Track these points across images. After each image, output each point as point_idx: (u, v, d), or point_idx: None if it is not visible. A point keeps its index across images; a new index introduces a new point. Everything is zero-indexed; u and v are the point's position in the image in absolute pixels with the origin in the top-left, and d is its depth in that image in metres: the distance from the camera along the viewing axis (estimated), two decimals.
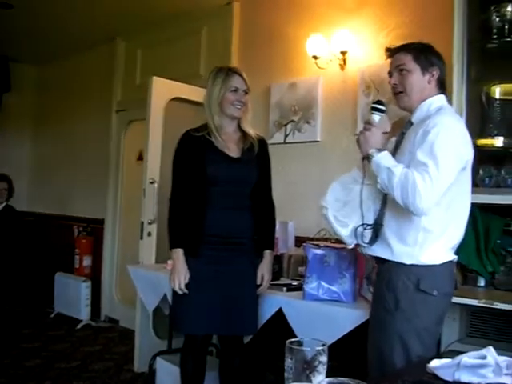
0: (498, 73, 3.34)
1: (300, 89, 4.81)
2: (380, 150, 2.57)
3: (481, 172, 3.20)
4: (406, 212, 2.46)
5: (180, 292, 3.28)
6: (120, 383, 4.66)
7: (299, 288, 3.51)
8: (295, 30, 4.88)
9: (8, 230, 6.61)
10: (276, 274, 3.95)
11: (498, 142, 3.20)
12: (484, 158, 3.25)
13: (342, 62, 4.49)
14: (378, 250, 2.64)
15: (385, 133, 2.70)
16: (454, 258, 2.62)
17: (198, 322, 3.28)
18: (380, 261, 2.66)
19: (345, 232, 2.71)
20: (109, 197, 6.89)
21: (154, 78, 4.90)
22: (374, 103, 2.70)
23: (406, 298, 2.50)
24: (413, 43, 2.72)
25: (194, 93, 4.86)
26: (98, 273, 6.92)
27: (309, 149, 4.69)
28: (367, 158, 2.61)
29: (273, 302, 3.49)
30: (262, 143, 3.52)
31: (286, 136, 4.89)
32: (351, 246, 2.80)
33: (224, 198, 3.31)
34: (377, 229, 2.64)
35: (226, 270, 3.29)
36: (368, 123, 2.65)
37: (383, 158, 2.53)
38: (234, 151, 3.38)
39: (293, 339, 1.45)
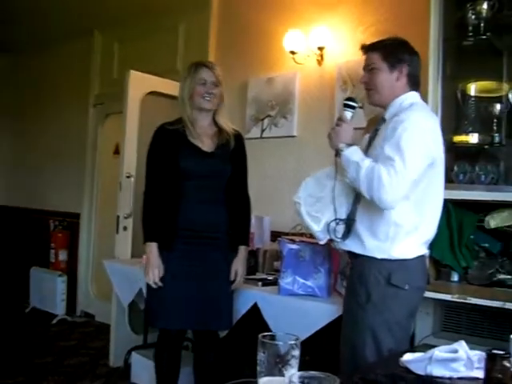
0: (473, 70, 3.37)
1: (277, 84, 4.81)
2: (350, 145, 2.60)
3: (455, 168, 3.23)
4: (377, 207, 2.48)
5: (154, 286, 3.27)
6: (95, 378, 4.64)
7: (274, 283, 3.52)
8: (273, 26, 4.88)
9: None
10: (251, 268, 3.96)
11: (473, 138, 3.24)
12: (459, 155, 3.28)
13: (320, 58, 4.50)
14: (350, 245, 2.66)
15: (358, 128, 2.72)
16: (426, 252, 2.66)
17: (173, 317, 3.28)
18: (353, 255, 2.68)
19: (317, 227, 2.73)
20: (85, 191, 6.85)
21: (131, 71, 4.88)
22: (345, 100, 2.74)
23: (378, 292, 2.53)
24: (384, 40, 2.74)
25: (171, 87, 4.84)
26: (73, 267, 6.87)
27: (285, 144, 4.70)
28: (337, 152, 2.63)
29: (248, 296, 3.50)
30: (238, 138, 3.51)
31: (262, 131, 4.89)
32: (323, 242, 2.81)
33: (198, 192, 3.31)
34: (349, 224, 2.66)
35: (200, 264, 3.29)
36: (340, 119, 2.69)
37: (352, 153, 2.57)
38: (207, 145, 3.37)
39: (265, 333, 1.45)
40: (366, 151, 2.65)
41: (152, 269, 3.26)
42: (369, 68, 2.72)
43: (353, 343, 2.58)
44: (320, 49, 4.46)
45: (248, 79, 5.05)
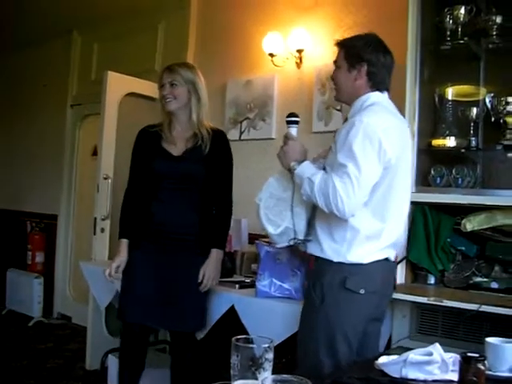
0: (450, 74, 3.39)
1: (256, 86, 4.81)
2: (301, 162, 2.57)
3: (432, 172, 3.25)
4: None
5: (108, 279, 3.34)
6: (72, 381, 4.60)
7: (252, 285, 3.51)
8: (252, 28, 4.88)
9: None
10: (229, 271, 3.96)
11: (450, 142, 3.26)
12: (436, 158, 3.31)
13: (299, 61, 4.51)
14: (310, 247, 2.65)
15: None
16: (389, 256, 2.62)
17: (136, 311, 3.28)
18: (314, 258, 2.66)
19: (272, 230, 2.69)
20: (63, 192, 6.79)
21: (110, 72, 4.86)
22: (287, 117, 2.71)
23: (332, 296, 2.51)
24: (355, 37, 2.70)
25: (149, 88, 4.82)
26: (50, 269, 6.81)
27: (264, 146, 4.69)
28: (289, 171, 2.62)
29: (225, 298, 3.48)
30: (218, 138, 3.44)
31: (241, 133, 4.89)
32: (279, 246, 2.79)
33: (171, 194, 3.32)
34: (308, 234, 2.66)
35: (167, 264, 3.30)
36: (286, 137, 2.67)
37: (303, 170, 2.54)
38: (179, 149, 3.35)
39: (239, 336, 1.45)
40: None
41: (113, 261, 3.34)
42: (334, 64, 2.71)
43: (307, 346, 2.57)
44: (299, 51, 4.47)
45: (227, 81, 5.05)
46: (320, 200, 2.42)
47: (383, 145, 2.41)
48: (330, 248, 2.54)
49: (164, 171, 3.31)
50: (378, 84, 2.62)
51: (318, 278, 2.57)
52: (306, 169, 2.54)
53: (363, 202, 2.43)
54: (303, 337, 2.62)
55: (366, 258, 2.52)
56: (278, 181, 2.76)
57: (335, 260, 2.52)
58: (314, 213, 2.66)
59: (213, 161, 3.36)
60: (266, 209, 2.72)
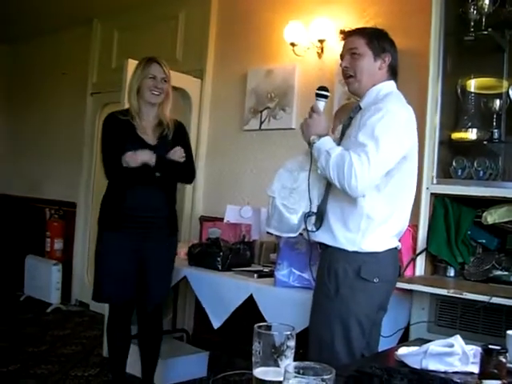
0: (473, 66, 3.37)
1: (277, 76, 4.80)
2: (321, 136, 2.56)
3: (454, 164, 3.24)
4: (349, 198, 2.47)
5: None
6: (89, 367, 4.63)
7: (270, 275, 3.52)
8: (273, 16, 4.86)
9: None
10: (248, 260, 3.97)
11: (472, 134, 3.24)
12: (457, 150, 3.29)
13: (320, 50, 4.49)
14: (321, 236, 2.62)
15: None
16: (397, 245, 2.64)
17: (111, 290, 3.55)
18: (323, 246, 2.65)
19: (295, 219, 2.69)
20: (82, 180, 6.82)
21: (130, 60, 4.84)
22: (318, 89, 2.67)
23: (347, 285, 2.51)
24: (367, 28, 2.73)
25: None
26: (69, 256, 6.85)
27: (284, 136, 4.68)
28: (309, 144, 2.60)
29: (244, 288, 3.49)
30: (178, 127, 3.74)
31: (261, 123, 4.88)
32: (295, 234, 2.77)
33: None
34: (320, 215, 2.62)
35: (141, 244, 3.53)
36: (312, 110, 2.64)
37: (323, 143, 2.53)
38: (151, 138, 3.60)
39: (261, 323, 1.44)
40: (340, 141, 2.62)
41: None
42: (351, 52, 2.65)
43: (321, 335, 2.56)
44: (320, 41, 4.45)
45: (247, 70, 5.04)
46: (333, 174, 2.42)
47: (404, 134, 2.46)
48: (344, 237, 2.53)
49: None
50: (393, 75, 2.68)
51: (332, 267, 2.56)
52: (327, 142, 2.53)
53: (375, 184, 2.43)
54: (316, 327, 2.62)
55: (380, 247, 2.53)
56: (288, 172, 2.76)
57: (350, 249, 2.52)
58: (325, 201, 2.64)
59: (176, 144, 3.62)
60: (283, 199, 2.73)
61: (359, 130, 2.45)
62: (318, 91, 2.67)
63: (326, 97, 2.66)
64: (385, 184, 2.48)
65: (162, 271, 3.66)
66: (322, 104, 2.65)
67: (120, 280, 3.50)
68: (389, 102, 2.50)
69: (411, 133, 2.52)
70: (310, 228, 2.65)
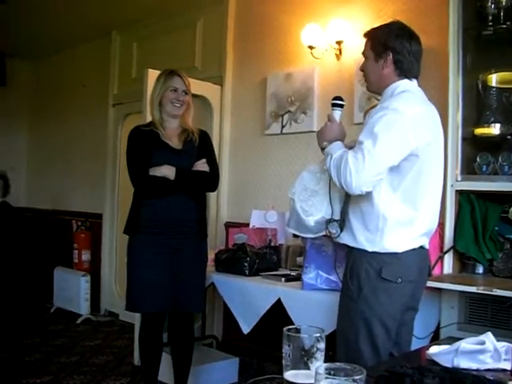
0: (493, 60, 3.34)
1: (296, 79, 4.80)
2: (332, 142, 2.59)
3: (478, 160, 3.22)
4: (365, 199, 2.48)
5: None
6: (120, 376, 4.66)
7: (298, 278, 3.51)
8: (290, 20, 4.87)
9: (5, 226, 6.62)
10: (274, 264, 3.97)
11: (495, 129, 3.22)
12: (481, 146, 3.26)
13: (338, 52, 4.49)
14: (344, 238, 2.64)
15: None
16: (422, 244, 2.61)
17: (147, 301, 3.56)
18: (347, 248, 2.66)
19: (311, 222, 2.72)
20: (107, 191, 6.88)
21: (150, 70, 4.87)
22: (333, 99, 2.73)
23: (369, 286, 2.50)
24: (379, 27, 2.70)
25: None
26: (97, 267, 6.90)
27: (305, 139, 4.68)
28: (322, 150, 2.65)
29: (272, 292, 3.49)
30: (203, 135, 3.80)
31: (282, 127, 4.88)
32: (314, 236, 2.81)
33: None
34: (343, 218, 2.65)
35: (173, 252, 3.56)
36: (328, 119, 2.69)
37: (332, 147, 2.56)
38: (175, 144, 3.66)
39: (290, 326, 1.44)
40: None
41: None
42: (363, 56, 2.72)
43: (346, 337, 2.57)
44: (338, 43, 4.44)
45: (267, 75, 5.04)
46: (333, 173, 2.46)
47: (408, 132, 2.41)
48: (364, 238, 2.53)
49: (164, 163, 3.52)
50: (405, 72, 2.61)
51: (354, 268, 2.56)
52: (334, 147, 2.56)
53: (374, 181, 2.40)
54: (342, 328, 2.63)
55: (400, 247, 2.51)
56: (311, 173, 2.80)
57: (370, 250, 2.52)
58: (347, 202, 2.65)
59: (201, 153, 3.70)
60: (302, 202, 2.77)
61: (362, 130, 2.47)
62: (333, 101, 2.72)
63: (341, 106, 2.73)
64: (398, 183, 2.47)
65: (196, 278, 3.67)
66: (337, 113, 2.71)
67: (153, 289, 3.52)
68: (395, 100, 2.49)
69: (421, 130, 2.46)
70: (333, 231, 2.66)
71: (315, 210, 2.71)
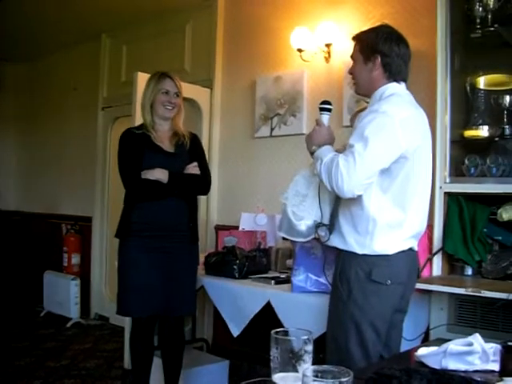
0: (481, 63, 3.36)
1: (285, 82, 4.80)
2: (322, 146, 2.61)
3: (466, 162, 3.23)
4: (355, 202, 2.49)
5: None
6: (111, 380, 4.65)
7: (287, 281, 3.51)
8: (279, 23, 4.87)
9: None
10: (264, 267, 3.97)
11: (483, 131, 3.23)
12: (469, 148, 3.27)
13: (327, 55, 4.49)
14: (333, 240, 2.65)
15: None
16: (411, 246, 2.62)
17: (139, 305, 3.53)
18: (337, 251, 2.67)
19: (303, 226, 2.74)
20: (96, 194, 6.86)
21: (139, 73, 4.88)
22: (320, 104, 2.74)
23: (359, 288, 2.51)
24: (368, 30, 2.72)
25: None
26: (87, 270, 6.89)
27: (295, 142, 4.68)
28: (311, 154, 2.66)
29: (261, 295, 3.49)
30: (194, 138, 3.81)
31: (272, 129, 4.89)
32: (305, 240, 2.82)
33: None
34: (332, 223, 2.67)
35: (164, 255, 3.55)
36: (317, 124, 2.71)
37: (321, 151, 2.57)
38: (168, 147, 3.67)
39: (278, 329, 1.45)
40: None
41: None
42: (351, 59, 2.73)
43: (336, 339, 2.58)
44: (327, 46, 4.45)
45: (256, 78, 5.05)
46: (324, 177, 2.46)
47: (398, 134, 2.42)
48: (354, 240, 2.54)
49: (157, 165, 3.52)
50: (394, 75, 2.62)
51: (344, 271, 2.57)
52: (324, 151, 2.57)
53: (366, 184, 2.42)
54: (332, 330, 2.63)
55: (390, 249, 2.52)
56: (304, 177, 2.81)
57: (360, 252, 2.53)
58: (337, 205, 2.67)
59: (192, 157, 3.70)
60: (293, 206, 2.78)
61: (352, 134, 2.48)
62: (321, 105, 2.74)
63: (329, 110, 2.74)
64: (389, 186, 2.48)
65: (187, 281, 3.67)
66: (325, 117, 2.73)
67: (144, 293, 3.51)
68: (385, 103, 2.50)
69: (411, 133, 2.47)
70: (323, 234, 2.67)
71: (307, 214, 2.73)
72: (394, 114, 2.43)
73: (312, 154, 2.65)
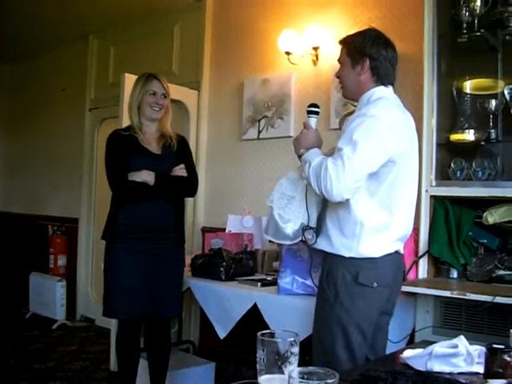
0: (468, 67, 3.38)
1: (273, 85, 4.81)
2: (310, 149, 2.61)
3: (452, 165, 3.25)
4: (343, 205, 2.49)
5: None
6: (97, 382, 4.64)
7: (274, 283, 3.52)
8: (267, 26, 4.88)
9: None
10: (251, 269, 3.97)
11: (469, 135, 3.25)
12: (455, 152, 3.29)
13: (315, 58, 4.51)
14: (320, 243, 2.65)
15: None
16: (398, 249, 2.63)
17: (125, 307, 3.52)
18: (323, 253, 2.67)
19: (289, 229, 2.73)
20: (83, 196, 6.84)
21: (127, 75, 4.86)
22: (308, 107, 2.73)
23: (345, 291, 2.52)
24: (355, 34, 2.71)
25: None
26: (73, 272, 6.86)
27: (282, 144, 4.69)
28: (299, 157, 2.65)
29: (248, 297, 3.49)
30: (181, 140, 3.81)
31: (259, 132, 4.89)
32: (291, 243, 2.81)
33: None
34: (319, 225, 2.68)
35: (150, 257, 3.54)
36: (304, 127, 2.70)
37: (309, 154, 2.57)
38: (155, 149, 3.66)
39: (264, 331, 1.45)
40: None
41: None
42: (339, 62, 2.73)
43: (323, 341, 2.58)
44: (315, 49, 4.46)
45: (243, 80, 5.05)
46: (313, 180, 2.45)
47: (386, 138, 2.42)
48: (341, 243, 2.55)
49: (144, 167, 3.51)
50: (382, 78, 2.63)
51: (330, 274, 2.58)
52: (312, 154, 2.56)
53: (355, 188, 2.42)
54: (319, 332, 2.64)
55: (377, 252, 2.53)
56: (289, 180, 2.81)
57: (346, 255, 2.53)
58: (324, 208, 2.68)
59: (179, 158, 3.70)
60: (279, 209, 2.77)
61: (341, 137, 2.48)
62: (308, 108, 2.73)
63: (317, 113, 2.73)
64: (376, 189, 2.49)
65: (174, 283, 3.66)
66: (313, 120, 2.72)
67: (130, 295, 3.49)
68: (373, 107, 2.50)
69: (398, 137, 2.47)
70: (309, 237, 2.68)
71: (293, 217, 2.72)
72: (381, 118, 2.43)
73: (300, 157, 2.64)
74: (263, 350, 1.40)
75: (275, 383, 1.38)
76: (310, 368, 1.23)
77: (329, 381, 1.17)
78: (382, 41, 2.63)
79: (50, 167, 7.48)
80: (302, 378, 1.20)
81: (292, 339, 1.41)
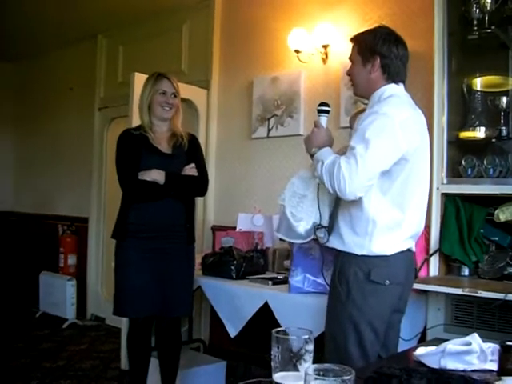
0: (478, 64, 3.37)
1: (282, 83, 4.81)
2: (321, 148, 2.60)
3: (463, 163, 3.24)
4: (355, 203, 2.49)
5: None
6: (107, 381, 4.65)
7: (285, 281, 3.52)
8: (277, 24, 4.88)
9: None
10: (262, 267, 3.98)
11: (480, 133, 3.24)
12: (466, 149, 3.28)
13: (324, 56, 4.50)
14: (332, 241, 2.66)
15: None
16: (410, 247, 2.64)
17: (135, 305, 3.53)
18: (335, 251, 2.67)
19: (301, 228, 2.73)
20: (93, 195, 6.85)
21: (136, 74, 4.87)
22: (319, 106, 2.74)
23: (358, 289, 2.52)
24: (366, 31, 2.72)
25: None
26: (83, 271, 6.88)
27: (292, 142, 4.69)
28: (311, 157, 2.65)
29: (259, 295, 3.49)
30: (192, 139, 3.80)
31: (269, 130, 4.89)
32: (304, 241, 2.82)
33: None
34: (331, 224, 2.67)
35: (160, 256, 3.55)
36: (315, 125, 2.70)
37: (321, 153, 2.57)
38: (165, 148, 3.67)
39: (279, 329, 1.45)
40: None
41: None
42: (350, 60, 2.74)
43: (335, 339, 2.59)
44: (324, 47, 4.46)
45: (253, 79, 5.05)
46: (326, 179, 2.45)
47: (398, 136, 2.42)
48: (353, 241, 2.55)
49: (154, 167, 3.52)
50: (393, 76, 2.63)
51: (342, 271, 2.58)
52: (325, 153, 2.56)
53: (368, 186, 2.42)
54: (331, 330, 2.64)
55: (389, 250, 2.53)
56: (301, 179, 2.80)
57: (359, 253, 2.53)
58: (336, 206, 2.68)
59: (190, 158, 3.70)
60: (292, 207, 2.77)
61: (353, 136, 2.48)
62: (319, 107, 2.74)
63: (327, 112, 2.74)
64: (389, 187, 2.49)
65: (184, 282, 3.66)
66: (323, 119, 2.72)
67: (141, 293, 3.50)
68: (385, 105, 2.50)
69: (410, 134, 2.48)
70: (321, 236, 2.69)
71: (305, 216, 2.72)
72: (394, 116, 2.43)
73: (312, 156, 2.64)
74: (278, 348, 1.40)
75: (290, 380, 1.38)
76: (326, 365, 1.23)
77: (345, 377, 1.17)
78: (393, 38, 2.63)
79: (59, 167, 7.49)
80: (318, 374, 1.20)
81: (306, 336, 1.41)
